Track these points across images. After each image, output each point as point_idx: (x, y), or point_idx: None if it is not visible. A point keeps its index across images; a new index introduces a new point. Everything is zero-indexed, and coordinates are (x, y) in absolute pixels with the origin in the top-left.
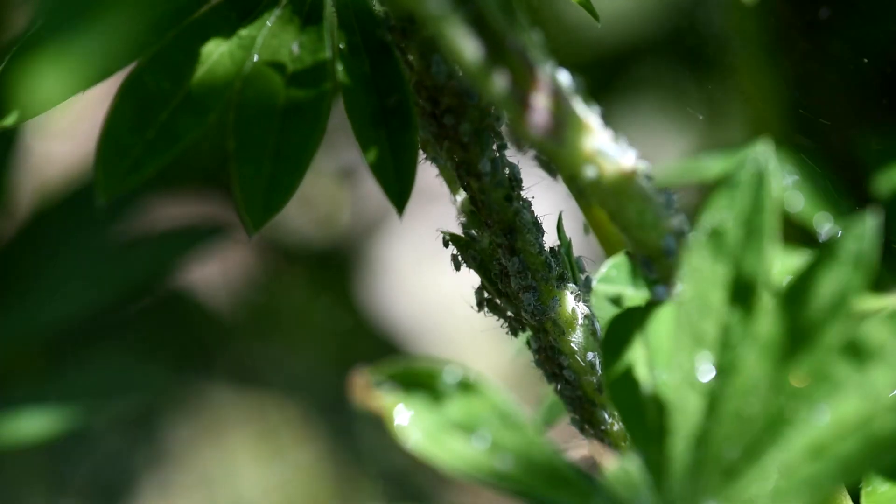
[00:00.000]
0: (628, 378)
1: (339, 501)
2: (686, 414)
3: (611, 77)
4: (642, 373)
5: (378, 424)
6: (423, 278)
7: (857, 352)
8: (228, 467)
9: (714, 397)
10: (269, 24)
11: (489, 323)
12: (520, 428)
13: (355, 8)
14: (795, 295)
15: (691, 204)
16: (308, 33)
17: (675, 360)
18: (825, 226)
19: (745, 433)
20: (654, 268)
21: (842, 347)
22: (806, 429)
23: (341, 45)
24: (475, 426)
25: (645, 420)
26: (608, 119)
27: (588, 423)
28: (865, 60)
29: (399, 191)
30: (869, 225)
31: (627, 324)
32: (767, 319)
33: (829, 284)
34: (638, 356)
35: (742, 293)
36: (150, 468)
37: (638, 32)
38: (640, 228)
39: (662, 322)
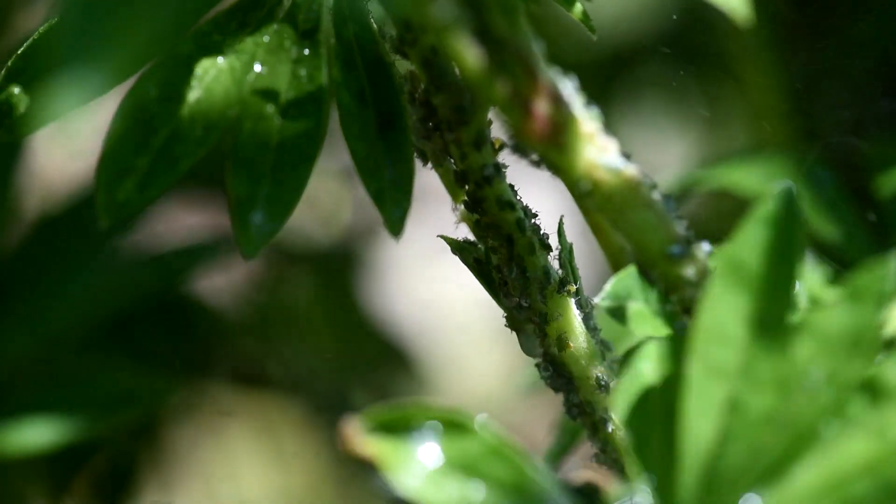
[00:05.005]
0: (641, 405)
1: (341, 501)
2: (698, 444)
3: (612, 77)
4: (655, 400)
5: None
6: (426, 278)
7: (874, 391)
8: (230, 467)
9: (727, 428)
10: (266, 38)
11: (490, 323)
12: (516, 465)
13: (353, 21)
14: (815, 330)
15: (695, 213)
16: (305, 48)
17: (689, 389)
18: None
19: (756, 465)
20: (654, 276)
21: (859, 386)
22: (817, 465)
23: (338, 60)
24: (470, 467)
25: (655, 448)
26: (609, 120)
27: (593, 428)
28: (869, 61)
29: (395, 208)
30: (892, 266)
31: (644, 355)
32: (788, 354)
33: (849, 322)
34: (652, 384)
35: (764, 327)
36: (152, 468)
37: (640, 33)
38: (643, 234)
39: (678, 353)
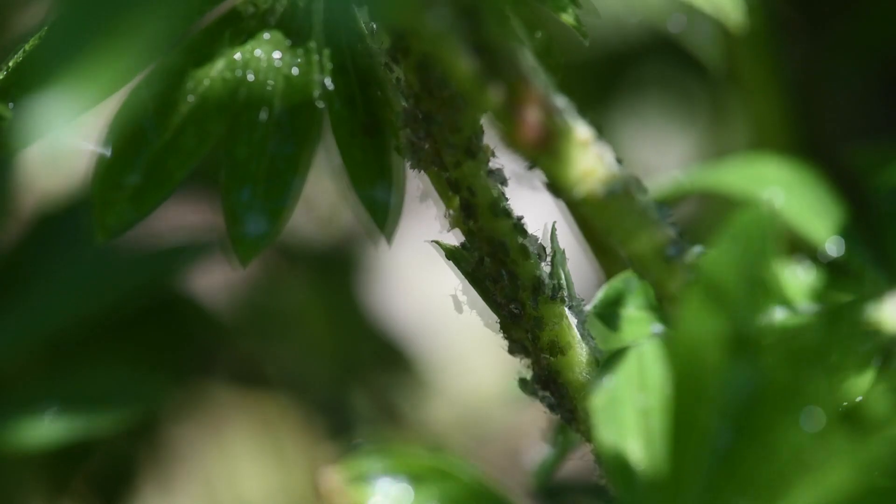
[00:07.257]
0: (620, 437)
1: None
2: (680, 474)
3: (613, 77)
4: (634, 432)
5: (378, 424)
6: (425, 279)
7: (858, 422)
8: (229, 467)
9: (708, 458)
10: (258, 47)
11: (490, 324)
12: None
13: (344, 27)
14: (795, 358)
15: (691, 214)
16: (297, 55)
17: (668, 418)
18: (824, 238)
19: (738, 495)
20: (647, 282)
21: (841, 415)
22: (801, 498)
23: (329, 66)
24: None
25: (636, 480)
26: (610, 120)
27: (585, 437)
28: (868, 63)
29: (385, 213)
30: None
31: (620, 372)
32: (767, 381)
33: (831, 350)
34: (629, 412)
35: (742, 353)
36: (151, 468)
37: (641, 32)
38: (634, 241)
39: (655, 372)
